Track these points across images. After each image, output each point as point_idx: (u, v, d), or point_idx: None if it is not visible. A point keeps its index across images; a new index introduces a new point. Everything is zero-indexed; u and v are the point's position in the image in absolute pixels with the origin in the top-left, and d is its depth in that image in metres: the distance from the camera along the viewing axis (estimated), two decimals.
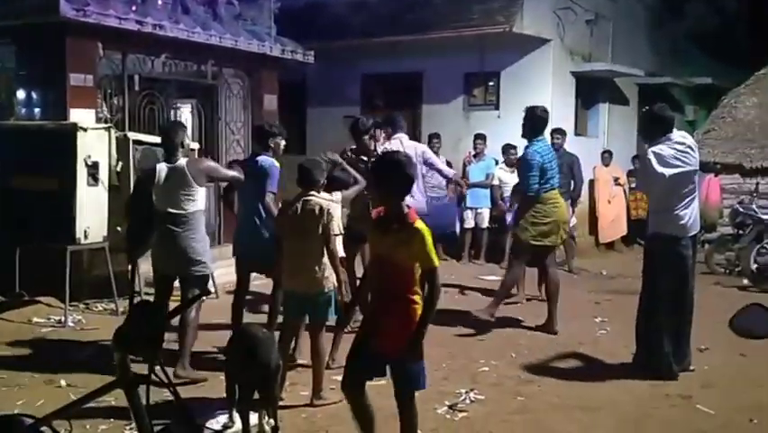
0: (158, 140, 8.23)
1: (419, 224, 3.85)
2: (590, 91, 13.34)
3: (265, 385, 4.47)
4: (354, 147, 7.13)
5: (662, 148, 5.82)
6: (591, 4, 12.88)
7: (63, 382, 5.48)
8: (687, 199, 5.85)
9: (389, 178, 3.94)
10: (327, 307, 5.20)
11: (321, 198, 5.24)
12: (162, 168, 5.76)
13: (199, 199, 5.78)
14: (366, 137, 7.00)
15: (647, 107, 6.41)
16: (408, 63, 12.92)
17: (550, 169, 7.25)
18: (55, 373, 5.68)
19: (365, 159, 6.97)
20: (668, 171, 5.75)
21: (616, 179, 12.71)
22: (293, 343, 5.61)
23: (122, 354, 2.61)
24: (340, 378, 4.51)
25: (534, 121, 7.32)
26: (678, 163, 5.80)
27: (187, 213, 5.66)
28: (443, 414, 5.06)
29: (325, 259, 5.12)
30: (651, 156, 5.81)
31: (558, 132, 11.05)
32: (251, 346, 4.46)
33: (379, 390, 5.43)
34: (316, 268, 5.13)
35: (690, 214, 5.88)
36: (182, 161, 5.77)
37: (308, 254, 5.12)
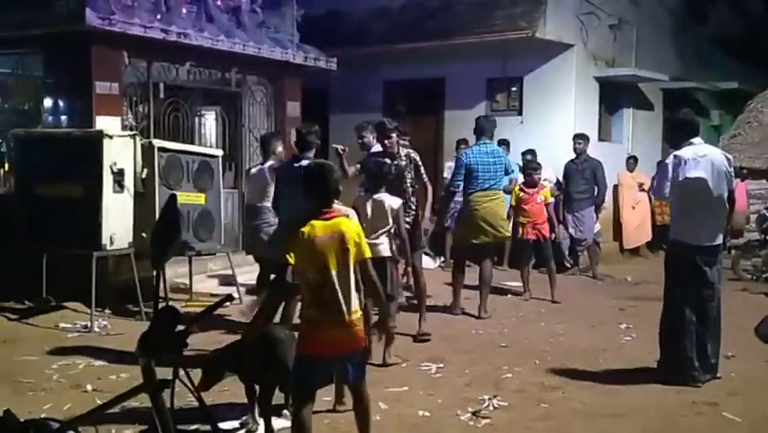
0: (183, 147, 8.36)
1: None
2: (614, 96, 13.27)
3: (286, 384, 4.49)
4: (381, 150, 7.20)
5: (684, 151, 5.78)
6: (614, 9, 12.81)
7: (89, 387, 5.52)
8: (708, 208, 5.77)
9: (311, 185, 4.11)
10: None
11: (337, 204, 5.22)
12: (254, 168, 7.61)
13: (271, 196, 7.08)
14: (394, 136, 7.11)
15: (672, 113, 6.39)
16: (430, 69, 12.92)
17: (478, 171, 7.91)
18: (81, 378, 5.74)
19: (389, 161, 7.01)
20: (682, 176, 5.68)
21: (640, 185, 12.61)
22: None
23: (146, 360, 2.64)
24: None
25: (477, 126, 8.26)
26: (698, 169, 5.74)
27: (259, 205, 7.28)
28: (466, 421, 5.04)
29: None
30: (669, 160, 5.77)
31: (580, 137, 11.02)
32: (272, 346, 4.47)
33: (399, 396, 5.45)
34: None
35: (710, 223, 5.81)
36: (267, 164, 7.27)
37: None
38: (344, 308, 3.90)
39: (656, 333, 6.11)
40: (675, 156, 5.76)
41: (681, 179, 5.68)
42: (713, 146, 6.30)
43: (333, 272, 3.88)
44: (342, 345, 3.95)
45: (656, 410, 5.29)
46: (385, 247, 6.31)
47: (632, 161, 12.76)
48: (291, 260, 3.88)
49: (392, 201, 6.37)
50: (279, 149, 7.40)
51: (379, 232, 6.27)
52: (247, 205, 7.84)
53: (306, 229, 3.90)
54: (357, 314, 3.98)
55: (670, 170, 5.73)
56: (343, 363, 3.99)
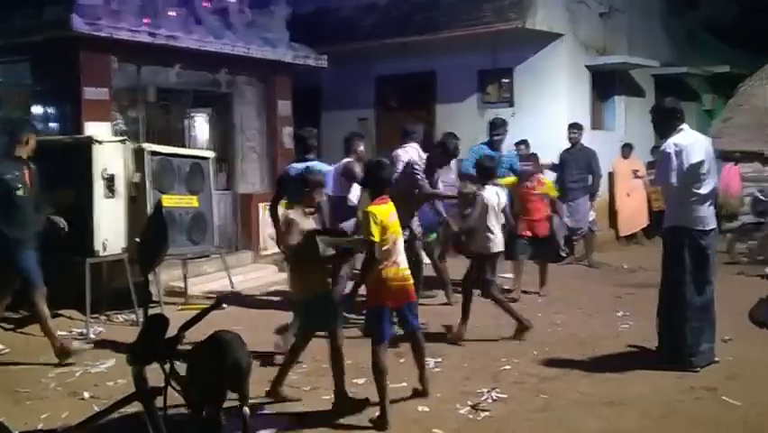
0: (174, 150, 8.34)
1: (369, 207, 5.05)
2: (606, 84, 13.25)
3: (239, 385, 4.31)
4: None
5: (680, 138, 5.79)
6: None
7: (86, 394, 5.50)
8: (704, 192, 5.80)
9: (370, 177, 5.24)
10: (336, 312, 5.13)
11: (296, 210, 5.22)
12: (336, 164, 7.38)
13: (353, 192, 7.13)
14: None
15: (656, 103, 6.39)
16: (421, 63, 12.90)
17: None
18: (78, 386, 5.72)
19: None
20: (686, 163, 5.70)
21: (635, 172, 12.59)
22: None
23: (137, 368, 2.63)
24: (361, 381, 4.50)
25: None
26: (698, 154, 5.76)
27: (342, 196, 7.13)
28: (465, 414, 5.04)
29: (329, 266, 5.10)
30: (670, 148, 5.77)
31: (574, 127, 10.99)
32: (221, 349, 4.28)
33: (398, 392, 5.44)
34: (316, 275, 5.12)
35: (707, 207, 5.84)
36: (344, 160, 7.21)
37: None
38: (405, 264, 5.08)
39: (654, 320, 6.11)
40: (675, 144, 5.76)
41: (686, 165, 5.71)
42: (697, 131, 6.30)
43: (401, 239, 5.10)
44: (403, 295, 5.09)
45: (655, 397, 5.29)
46: (501, 241, 6.88)
47: (627, 149, 12.73)
48: (377, 237, 4.85)
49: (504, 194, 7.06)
50: (361, 148, 7.45)
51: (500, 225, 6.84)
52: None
53: (374, 210, 4.96)
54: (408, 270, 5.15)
55: (673, 157, 5.73)
56: (402, 312, 5.13)
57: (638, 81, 13.89)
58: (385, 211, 5.00)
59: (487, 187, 6.89)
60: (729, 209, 11.47)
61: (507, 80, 12.59)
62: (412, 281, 5.15)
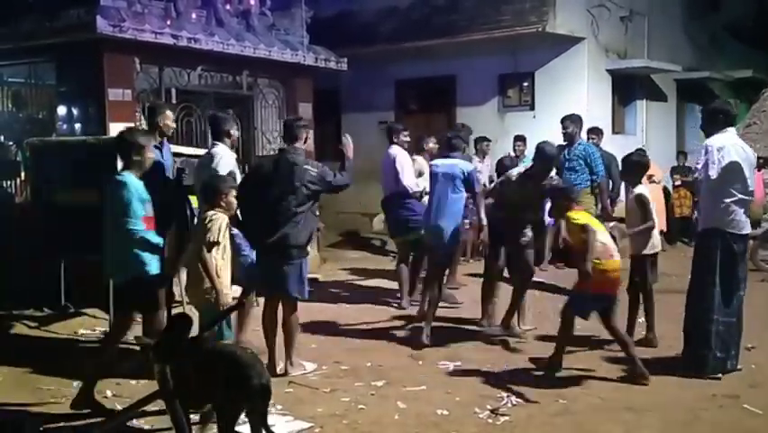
0: (196, 151, 8.37)
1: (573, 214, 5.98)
2: (627, 88, 13.21)
3: (261, 406, 3.92)
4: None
5: (722, 137, 5.80)
6: (625, 1, 12.76)
7: (109, 393, 5.52)
8: (742, 196, 5.79)
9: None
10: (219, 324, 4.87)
11: (219, 212, 5.17)
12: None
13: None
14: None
15: (708, 104, 6.40)
16: (441, 67, 12.92)
17: None
18: (101, 384, 5.75)
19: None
20: (726, 161, 5.71)
21: (650, 177, 12.45)
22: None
23: (160, 366, 2.66)
24: (380, 383, 4.49)
25: None
26: (738, 157, 5.76)
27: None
28: (484, 418, 5.03)
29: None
30: (712, 143, 5.78)
31: (594, 131, 10.93)
32: (239, 370, 3.77)
33: (417, 395, 5.45)
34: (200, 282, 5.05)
35: (745, 212, 5.84)
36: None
37: (193, 266, 5.05)
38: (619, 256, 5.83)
39: (675, 326, 6.10)
40: (717, 140, 5.78)
41: (724, 162, 5.72)
42: None
43: (608, 235, 5.92)
44: (617, 286, 5.90)
45: (676, 404, 5.26)
46: None
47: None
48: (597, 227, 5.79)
49: None
50: (430, 145, 8.70)
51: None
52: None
53: (579, 215, 5.84)
54: None
55: (715, 152, 5.74)
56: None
57: (660, 85, 13.83)
58: (588, 213, 6.05)
59: None
60: (752, 216, 11.34)
61: (527, 84, 12.59)
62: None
